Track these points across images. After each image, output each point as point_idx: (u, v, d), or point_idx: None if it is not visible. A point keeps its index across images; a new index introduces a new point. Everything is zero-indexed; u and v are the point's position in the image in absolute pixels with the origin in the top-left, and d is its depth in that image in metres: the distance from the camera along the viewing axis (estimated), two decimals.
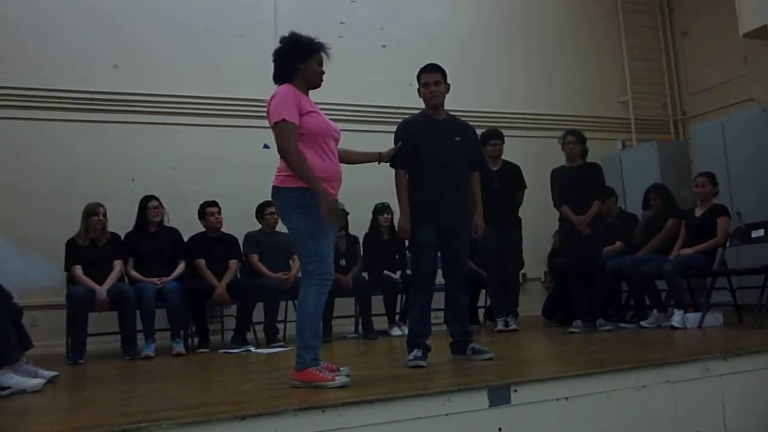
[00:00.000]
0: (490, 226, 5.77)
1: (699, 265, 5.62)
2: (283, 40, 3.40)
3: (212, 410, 2.56)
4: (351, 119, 7.44)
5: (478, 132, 5.88)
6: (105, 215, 5.59)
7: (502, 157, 6.16)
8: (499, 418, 2.83)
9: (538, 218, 6.72)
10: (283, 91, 3.29)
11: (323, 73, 3.41)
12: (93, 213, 5.55)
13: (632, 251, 6.21)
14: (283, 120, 3.20)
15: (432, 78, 3.92)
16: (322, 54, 3.40)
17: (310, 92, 3.43)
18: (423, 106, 4.03)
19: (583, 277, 5.74)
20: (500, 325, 5.96)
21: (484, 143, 5.93)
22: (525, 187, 6.17)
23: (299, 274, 6.20)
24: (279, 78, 3.38)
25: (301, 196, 3.21)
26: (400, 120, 4.10)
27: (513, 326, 5.95)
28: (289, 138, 3.20)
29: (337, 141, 3.42)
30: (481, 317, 7.07)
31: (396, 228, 4.26)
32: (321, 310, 3.25)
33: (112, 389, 3.75)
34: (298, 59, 3.34)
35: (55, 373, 3.90)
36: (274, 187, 3.32)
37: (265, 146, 6.12)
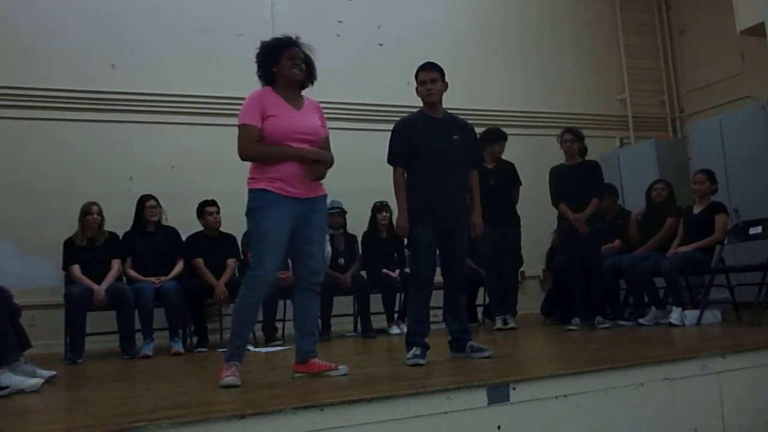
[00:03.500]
0: (489, 224, 5.79)
1: (697, 263, 5.63)
2: (256, 55, 3.46)
3: (211, 409, 2.56)
4: (348, 118, 7.45)
5: (481, 130, 5.89)
6: (100, 213, 5.59)
7: (513, 154, 6.20)
8: (498, 416, 2.83)
9: (537, 216, 6.72)
10: (249, 96, 3.38)
11: (298, 65, 3.40)
12: (87, 212, 5.56)
13: (631, 250, 6.22)
14: (241, 124, 3.31)
15: (429, 76, 3.92)
16: (295, 47, 3.41)
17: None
18: (421, 104, 4.03)
19: (581, 275, 5.74)
20: (499, 324, 5.97)
21: (493, 142, 5.97)
22: (520, 183, 6.17)
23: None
24: (265, 85, 3.46)
25: (251, 199, 3.32)
26: (397, 118, 4.10)
27: (512, 324, 5.96)
28: (246, 139, 3.29)
29: (307, 142, 3.38)
30: (479, 315, 7.07)
31: (395, 226, 4.26)
32: (246, 311, 3.30)
33: (111, 389, 3.75)
34: (270, 64, 3.40)
35: (54, 372, 3.89)
36: None
37: None
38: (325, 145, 3.47)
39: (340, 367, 3.37)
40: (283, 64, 3.39)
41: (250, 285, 3.28)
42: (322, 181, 3.45)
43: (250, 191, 3.33)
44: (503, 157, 6.19)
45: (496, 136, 6.05)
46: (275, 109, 3.33)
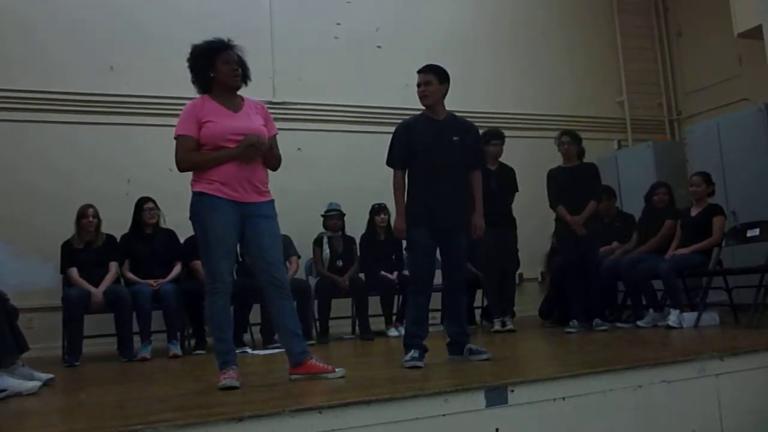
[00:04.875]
0: (488, 225, 5.79)
1: (695, 265, 5.63)
2: (188, 56, 3.41)
3: (209, 412, 2.56)
4: (346, 120, 7.46)
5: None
6: (96, 216, 5.59)
7: (512, 156, 6.18)
8: (497, 419, 2.83)
9: (534, 219, 6.73)
10: (185, 108, 3.39)
11: (236, 69, 3.38)
12: (83, 215, 5.56)
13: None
14: (177, 135, 3.35)
15: (423, 78, 3.94)
16: (229, 50, 3.38)
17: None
18: (416, 106, 4.05)
19: (579, 277, 5.74)
20: (497, 326, 5.96)
21: (486, 143, 5.97)
22: (517, 190, 6.18)
23: (296, 276, 6.25)
24: (201, 90, 3.43)
25: (193, 203, 3.32)
26: (395, 121, 4.12)
27: (510, 326, 5.94)
28: (182, 150, 3.33)
29: None
30: (477, 318, 7.07)
31: (392, 228, 4.26)
32: (218, 316, 3.31)
33: (109, 391, 3.74)
34: (206, 69, 3.36)
35: (51, 375, 3.89)
36: None
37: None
38: (271, 143, 3.44)
39: (336, 369, 3.37)
40: (220, 68, 3.35)
41: (213, 295, 3.29)
42: (267, 187, 3.43)
43: (192, 194, 3.33)
44: (505, 161, 6.19)
45: (489, 137, 6.04)
46: (212, 115, 3.32)
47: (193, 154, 3.31)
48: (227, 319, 3.35)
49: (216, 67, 3.35)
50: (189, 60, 3.41)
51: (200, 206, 3.29)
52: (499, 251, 5.95)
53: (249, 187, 3.33)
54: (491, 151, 6.01)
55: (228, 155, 3.28)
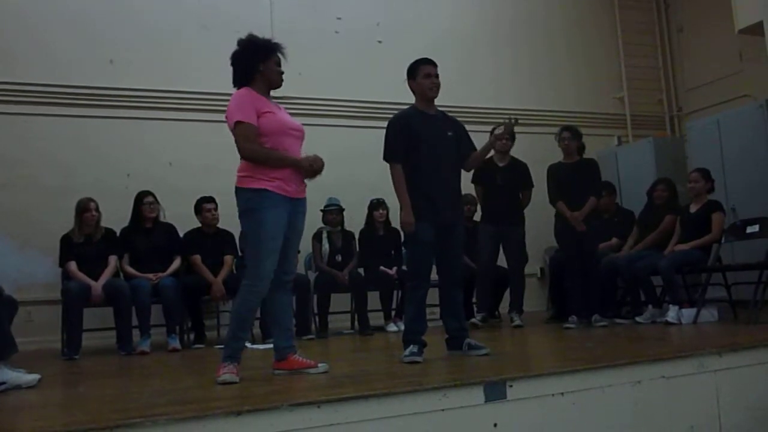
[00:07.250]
0: (489, 222, 5.78)
1: (694, 261, 5.63)
2: (240, 42, 3.45)
3: (208, 406, 2.56)
4: (346, 115, 7.44)
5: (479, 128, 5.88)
6: (97, 209, 5.58)
7: (512, 154, 6.14)
8: (495, 414, 2.84)
9: (534, 215, 6.71)
10: (238, 95, 3.37)
11: (282, 72, 3.48)
12: (85, 209, 5.54)
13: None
14: (239, 122, 3.27)
15: (435, 70, 3.96)
16: (280, 54, 3.46)
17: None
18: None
19: (578, 273, 5.74)
20: (476, 319, 5.97)
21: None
22: (532, 185, 6.15)
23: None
24: (240, 81, 3.44)
25: (250, 200, 3.29)
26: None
27: (517, 322, 5.91)
28: (248, 138, 3.27)
29: (298, 138, 3.45)
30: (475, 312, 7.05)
31: (392, 223, 4.25)
32: (248, 315, 3.35)
33: (108, 385, 3.75)
34: (258, 61, 3.40)
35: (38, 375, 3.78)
36: (235, 187, 3.38)
37: None
38: None
39: (319, 365, 3.40)
40: (272, 67, 3.43)
41: (252, 291, 3.29)
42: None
43: (248, 190, 3.30)
44: (518, 156, 6.17)
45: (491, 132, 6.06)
46: (267, 107, 3.36)
47: (260, 146, 3.30)
48: (252, 320, 3.44)
49: (268, 63, 3.41)
50: (242, 50, 3.42)
51: (260, 202, 3.27)
52: (495, 249, 5.94)
53: (301, 184, 3.41)
54: (498, 147, 6.00)
55: (293, 163, 3.33)
